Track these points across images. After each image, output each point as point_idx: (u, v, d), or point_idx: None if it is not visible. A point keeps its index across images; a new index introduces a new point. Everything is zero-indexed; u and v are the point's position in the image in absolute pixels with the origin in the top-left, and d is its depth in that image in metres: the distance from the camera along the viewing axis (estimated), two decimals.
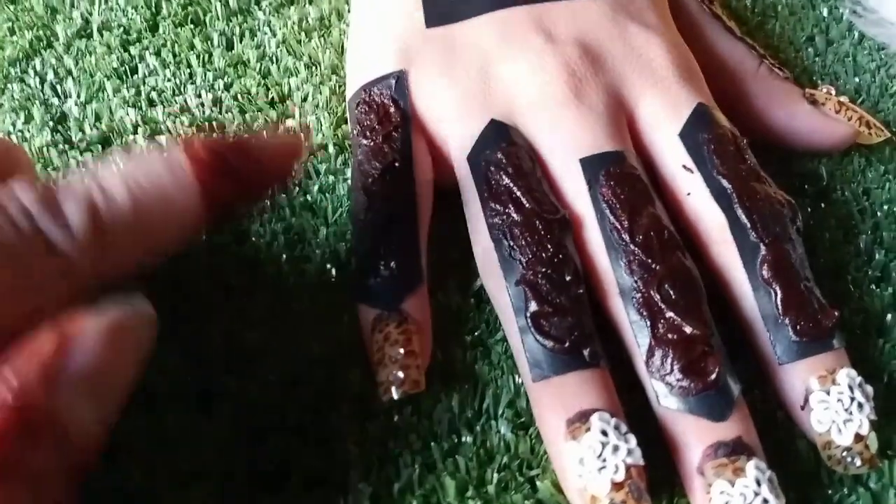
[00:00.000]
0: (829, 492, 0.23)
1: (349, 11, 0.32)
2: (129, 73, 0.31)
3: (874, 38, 0.35)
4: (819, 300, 0.24)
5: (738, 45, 0.31)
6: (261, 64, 0.32)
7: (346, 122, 0.30)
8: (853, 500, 0.22)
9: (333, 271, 0.26)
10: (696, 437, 0.22)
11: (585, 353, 0.22)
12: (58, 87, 0.31)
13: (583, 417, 0.21)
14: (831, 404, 0.22)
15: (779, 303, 0.24)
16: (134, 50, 0.32)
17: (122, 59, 0.32)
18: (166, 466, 0.22)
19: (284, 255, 0.26)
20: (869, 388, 0.23)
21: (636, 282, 0.23)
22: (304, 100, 0.30)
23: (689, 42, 0.29)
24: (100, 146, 0.29)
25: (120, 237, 0.18)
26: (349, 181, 0.28)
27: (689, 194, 0.26)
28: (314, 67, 0.32)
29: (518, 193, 0.24)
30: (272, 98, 0.31)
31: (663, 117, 0.27)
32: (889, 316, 0.26)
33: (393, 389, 0.22)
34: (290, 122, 0.30)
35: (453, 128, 0.26)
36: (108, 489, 0.21)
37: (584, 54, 0.27)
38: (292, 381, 0.23)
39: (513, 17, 0.27)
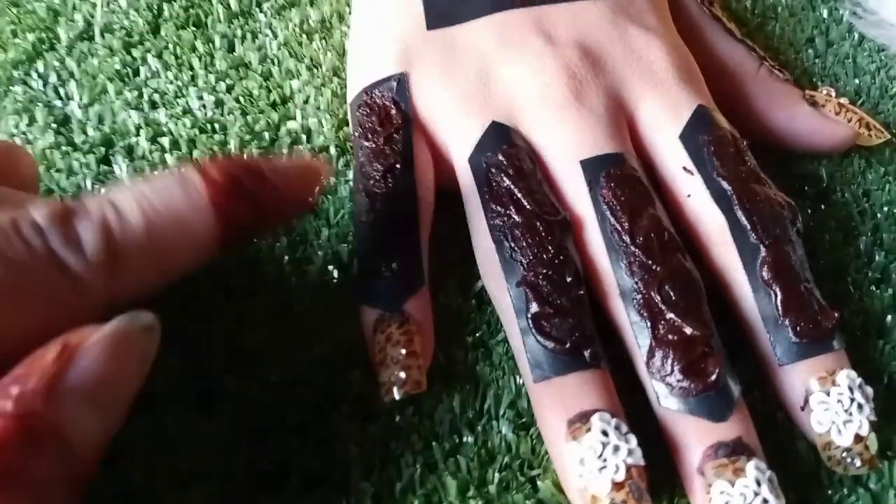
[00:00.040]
0: (829, 492, 0.23)
1: (350, 14, 0.32)
2: (131, 76, 0.31)
3: (874, 39, 0.35)
4: (819, 301, 0.24)
5: (738, 47, 0.31)
6: (262, 66, 0.32)
7: (347, 124, 0.30)
8: (853, 501, 0.23)
9: (335, 272, 0.26)
10: (696, 437, 0.22)
11: (586, 353, 0.22)
12: (60, 89, 0.31)
13: (583, 418, 0.21)
14: (831, 405, 0.22)
15: (779, 304, 0.24)
16: (136, 52, 0.32)
17: (124, 62, 0.32)
18: (166, 466, 0.22)
19: (286, 257, 0.26)
20: (869, 390, 0.23)
21: (636, 283, 0.23)
22: (306, 102, 0.31)
23: (689, 44, 0.30)
24: (102, 148, 0.29)
25: (133, 259, 0.18)
26: (351, 183, 0.28)
27: (689, 196, 0.26)
28: (315, 69, 0.32)
29: (519, 195, 0.24)
30: (274, 100, 0.31)
31: (663, 119, 0.27)
32: (889, 317, 0.26)
33: (395, 390, 0.22)
34: (291, 124, 0.30)
35: (454, 129, 0.27)
36: (108, 489, 0.21)
37: (584, 56, 0.27)
38: (293, 381, 0.24)
39: (513, 20, 0.28)
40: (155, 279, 0.19)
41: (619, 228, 0.24)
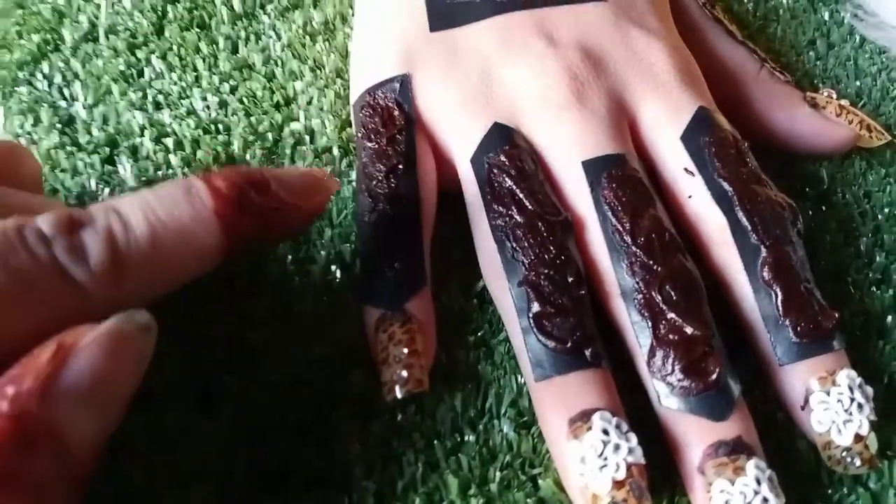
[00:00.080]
0: (829, 492, 0.23)
1: (353, 16, 0.33)
2: (135, 77, 0.32)
3: (875, 41, 0.35)
4: (819, 302, 0.24)
5: (740, 49, 0.31)
6: (266, 67, 0.32)
7: (350, 125, 0.30)
8: (853, 500, 0.23)
9: (338, 272, 0.26)
10: (696, 436, 0.22)
11: (587, 353, 0.22)
12: (65, 89, 0.31)
13: (584, 416, 0.21)
14: (831, 405, 0.23)
15: (779, 304, 0.24)
16: (140, 53, 0.32)
17: (128, 63, 0.32)
18: (166, 466, 0.22)
19: (290, 256, 0.26)
20: (869, 389, 0.23)
21: (638, 283, 0.24)
22: (309, 103, 0.31)
23: (690, 46, 0.30)
24: (107, 148, 0.29)
25: (137, 269, 0.18)
26: (354, 183, 0.28)
27: (690, 197, 0.26)
28: (319, 71, 0.32)
29: (521, 195, 0.25)
30: (277, 101, 0.31)
31: (665, 121, 0.27)
32: (889, 318, 0.27)
33: (397, 388, 0.22)
34: (294, 125, 0.30)
35: (456, 130, 0.27)
36: (108, 489, 0.21)
37: (585, 58, 0.27)
38: (294, 381, 0.24)
39: (515, 22, 0.28)
40: (158, 289, 0.19)
41: (621, 229, 0.24)
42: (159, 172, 0.28)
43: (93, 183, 0.28)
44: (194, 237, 0.19)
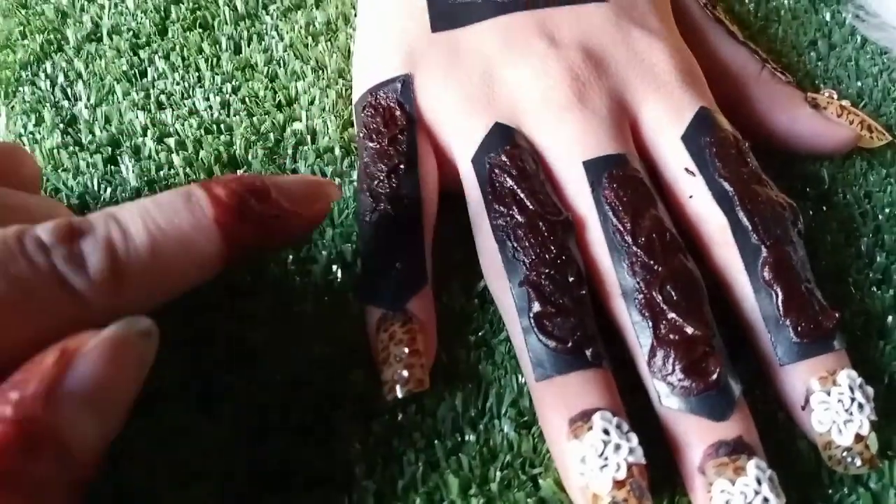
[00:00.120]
0: (830, 492, 0.23)
1: (355, 16, 0.33)
2: (138, 77, 0.32)
3: (876, 42, 0.35)
4: (820, 302, 0.24)
5: (741, 50, 0.31)
6: (268, 68, 0.32)
7: (352, 125, 0.30)
8: (853, 500, 0.23)
9: (339, 272, 0.26)
10: (697, 436, 0.22)
11: (588, 353, 0.22)
12: (68, 90, 0.31)
13: (585, 416, 0.21)
14: (832, 405, 0.23)
15: (780, 304, 0.24)
16: (143, 54, 0.32)
17: (131, 63, 0.32)
18: (166, 466, 0.22)
19: (291, 256, 0.26)
20: (869, 389, 0.23)
21: (638, 283, 0.24)
22: (311, 103, 0.31)
23: (691, 47, 0.30)
24: (109, 148, 0.29)
25: (137, 277, 0.18)
26: (355, 183, 0.28)
27: (691, 197, 0.26)
28: (321, 71, 0.32)
29: (522, 195, 0.25)
30: (279, 101, 0.31)
31: (666, 121, 0.27)
32: (890, 318, 0.27)
33: (397, 388, 0.22)
34: (297, 125, 0.30)
35: (457, 131, 0.27)
36: (108, 489, 0.21)
37: (587, 58, 0.27)
38: (294, 380, 0.24)
39: (516, 22, 0.28)
40: (158, 297, 0.19)
41: (622, 229, 0.24)
42: (161, 172, 0.29)
43: (95, 183, 0.28)
44: (194, 245, 0.19)
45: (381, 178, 0.26)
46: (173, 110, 0.30)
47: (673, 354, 0.23)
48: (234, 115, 0.30)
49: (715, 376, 0.22)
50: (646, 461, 0.21)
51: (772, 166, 0.27)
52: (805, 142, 0.30)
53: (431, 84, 0.27)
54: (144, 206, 0.19)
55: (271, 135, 0.30)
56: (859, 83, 0.34)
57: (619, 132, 0.26)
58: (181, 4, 0.34)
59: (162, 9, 0.34)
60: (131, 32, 0.33)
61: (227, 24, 0.34)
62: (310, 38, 0.33)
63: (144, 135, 0.30)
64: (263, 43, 0.33)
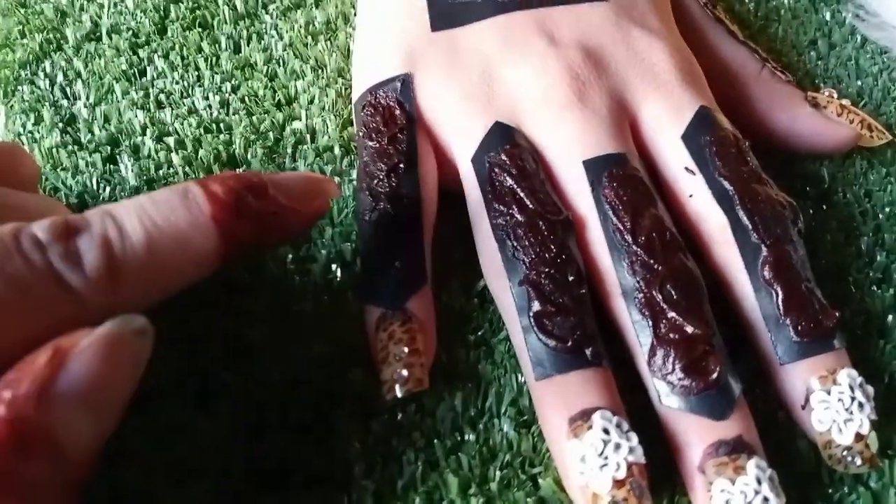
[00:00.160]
0: (830, 491, 0.23)
1: (355, 15, 0.33)
2: (137, 76, 0.32)
3: (876, 41, 0.35)
4: (820, 301, 0.24)
5: (741, 49, 0.31)
6: (268, 67, 0.32)
7: (351, 125, 0.30)
8: (853, 500, 0.23)
9: (338, 271, 0.26)
10: (697, 435, 0.22)
11: (588, 352, 0.22)
12: (67, 89, 0.31)
13: (585, 416, 0.21)
14: (832, 404, 0.23)
15: (780, 303, 0.24)
16: (142, 53, 0.32)
17: (130, 62, 0.32)
18: (163, 463, 0.22)
19: (290, 255, 0.26)
20: (869, 388, 0.23)
21: (638, 282, 0.24)
22: (311, 102, 0.31)
23: (691, 46, 0.30)
24: (108, 147, 0.29)
25: (133, 275, 0.18)
26: (355, 182, 0.28)
27: (691, 196, 0.26)
28: (320, 70, 0.32)
29: (521, 194, 0.25)
30: (279, 100, 0.31)
31: (666, 120, 0.27)
32: (890, 317, 0.27)
33: (397, 387, 0.22)
34: (296, 124, 0.30)
35: (457, 130, 0.27)
36: (104, 487, 0.21)
37: (587, 58, 0.27)
38: (293, 379, 0.24)
39: (516, 22, 0.28)
40: (154, 294, 0.19)
41: (622, 228, 0.24)
42: (160, 172, 0.29)
43: (94, 182, 0.28)
44: (191, 243, 0.19)
45: (381, 177, 0.26)
46: (172, 109, 0.30)
47: (673, 353, 0.23)
48: (234, 115, 0.30)
49: (715, 375, 0.22)
50: (646, 460, 0.21)
51: (772, 165, 0.27)
52: (805, 141, 0.30)
53: (431, 83, 0.27)
54: (141, 204, 0.19)
55: (271, 134, 0.30)
56: (859, 82, 0.34)
57: (618, 131, 0.26)
58: (180, 4, 0.34)
59: (161, 8, 0.34)
60: (130, 31, 0.33)
61: (226, 23, 0.34)
62: (309, 37, 0.33)
63: (143, 134, 0.30)
64: (263, 42, 0.33)
